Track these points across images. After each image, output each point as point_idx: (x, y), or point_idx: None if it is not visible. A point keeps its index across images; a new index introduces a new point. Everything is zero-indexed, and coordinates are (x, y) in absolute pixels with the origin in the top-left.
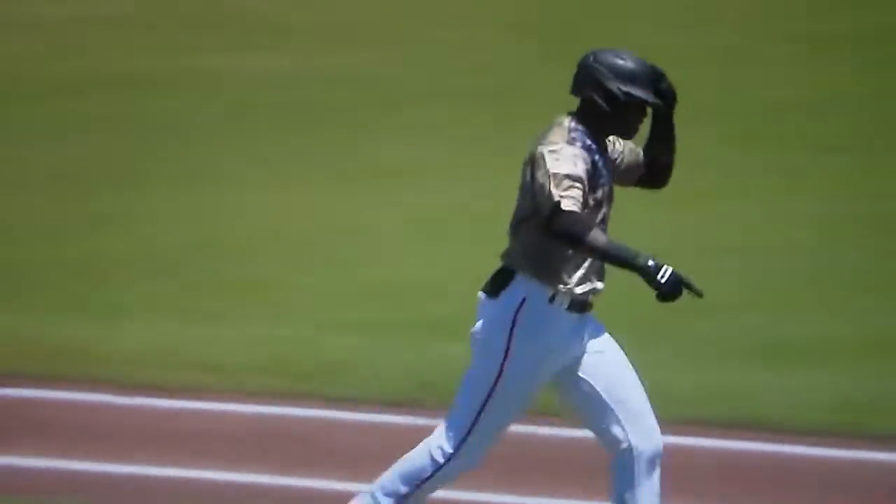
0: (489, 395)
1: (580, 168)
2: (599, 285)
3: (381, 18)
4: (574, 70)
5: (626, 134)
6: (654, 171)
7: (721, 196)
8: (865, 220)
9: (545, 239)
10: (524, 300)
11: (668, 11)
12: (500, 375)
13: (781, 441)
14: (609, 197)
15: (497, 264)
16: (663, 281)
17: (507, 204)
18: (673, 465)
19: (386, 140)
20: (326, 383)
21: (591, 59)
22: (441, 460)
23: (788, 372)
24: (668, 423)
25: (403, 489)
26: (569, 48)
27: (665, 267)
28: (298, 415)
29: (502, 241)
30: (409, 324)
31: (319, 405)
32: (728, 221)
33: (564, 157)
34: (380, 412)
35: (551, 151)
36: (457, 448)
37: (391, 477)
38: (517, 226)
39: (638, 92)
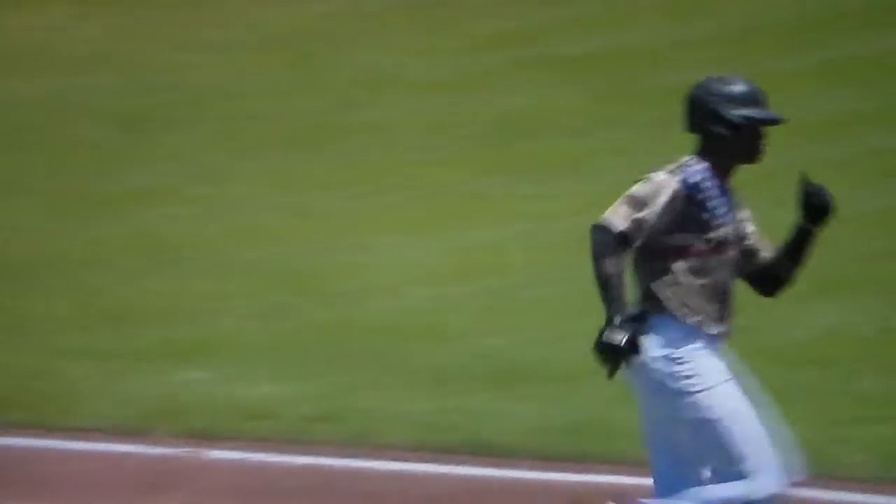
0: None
1: (658, 198)
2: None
3: None
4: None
5: (753, 158)
6: (768, 278)
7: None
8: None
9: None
10: None
11: None
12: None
13: (512, 465)
14: (737, 240)
15: None
16: (601, 339)
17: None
18: (408, 492)
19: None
20: (57, 412)
21: (702, 91)
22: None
23: (517, 396)
24: (403, 449)
25: None
26: None
27: (619, 332)
28: (23, 445)
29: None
30: (143, 351)
31: (45, 434)
32: (453, 247)
33: (648, 181)
34: (111, 441)
35: (643, 178)
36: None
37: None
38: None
39: (754, 113)
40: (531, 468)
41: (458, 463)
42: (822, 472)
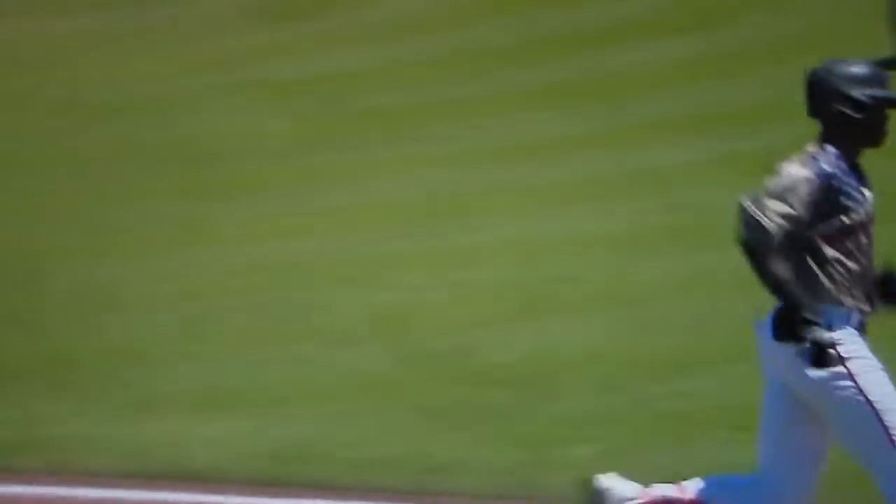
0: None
1: (798, 192)
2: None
3: None
4: None
5: (878, 141)
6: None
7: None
8: None
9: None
10: None
11: None
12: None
13: (218, 491)
14: (869, 223)
15: None
16: (816, 341)
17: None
18: None
19: None
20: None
21: (824, 73)
22: None
23: (222, 421)
24: (109, 475)
25: None
26: None
27: (823, 330)
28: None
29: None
30: None
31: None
32: (153, 274)
33: (782, 176)
34: None
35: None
36: None
37: None
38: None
39: (881, 93)
40: (239, 493)
41: (163, 489)
42: (523, 494)
